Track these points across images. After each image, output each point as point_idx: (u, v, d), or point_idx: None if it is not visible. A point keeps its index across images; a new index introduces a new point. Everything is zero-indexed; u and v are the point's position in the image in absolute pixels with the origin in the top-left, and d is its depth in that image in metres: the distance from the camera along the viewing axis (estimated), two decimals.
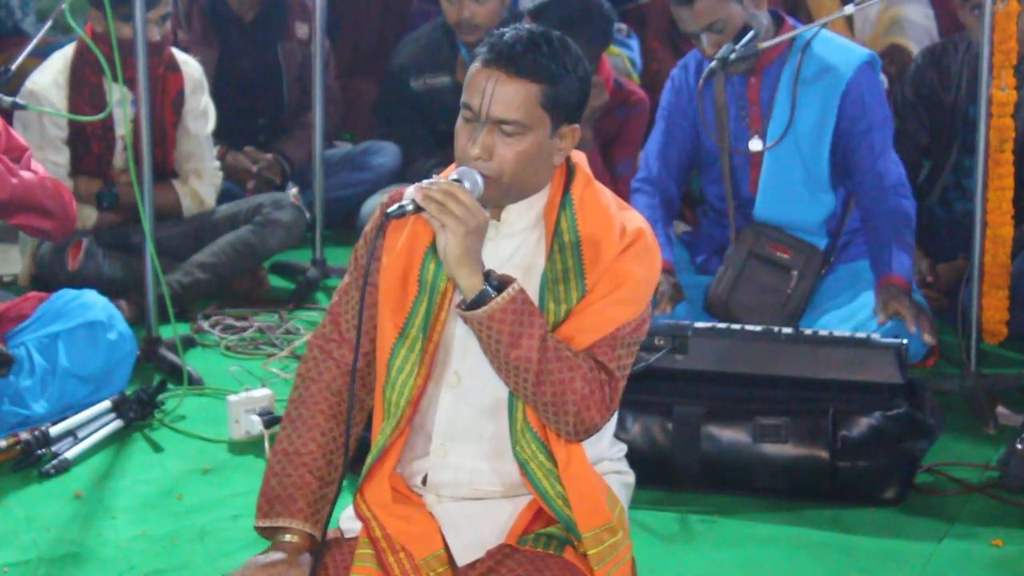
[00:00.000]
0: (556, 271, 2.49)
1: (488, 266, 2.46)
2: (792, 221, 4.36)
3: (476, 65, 2.46)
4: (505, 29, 2.47)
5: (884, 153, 4.30)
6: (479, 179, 2.44)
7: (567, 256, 2.49)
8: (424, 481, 2.59)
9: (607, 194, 2.57)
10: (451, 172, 2.48)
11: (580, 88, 2.48)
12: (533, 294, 2.49)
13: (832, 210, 4.38)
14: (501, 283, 2.41)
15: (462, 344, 2.52)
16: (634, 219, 2.54)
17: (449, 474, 2.56)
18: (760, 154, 4.34)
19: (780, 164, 4.33)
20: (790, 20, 4.37)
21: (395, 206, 2.43)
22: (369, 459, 2.57)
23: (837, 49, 4.32)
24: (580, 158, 2.58)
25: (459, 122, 2.48)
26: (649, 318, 2.56)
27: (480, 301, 2.40)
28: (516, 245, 2.53)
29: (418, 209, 2.40)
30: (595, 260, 2.48)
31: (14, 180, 3.96)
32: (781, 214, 4.37)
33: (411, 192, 2.43)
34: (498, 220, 2.53)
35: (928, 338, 4.10)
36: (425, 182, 2.42)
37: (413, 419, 2.56)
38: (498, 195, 2.49)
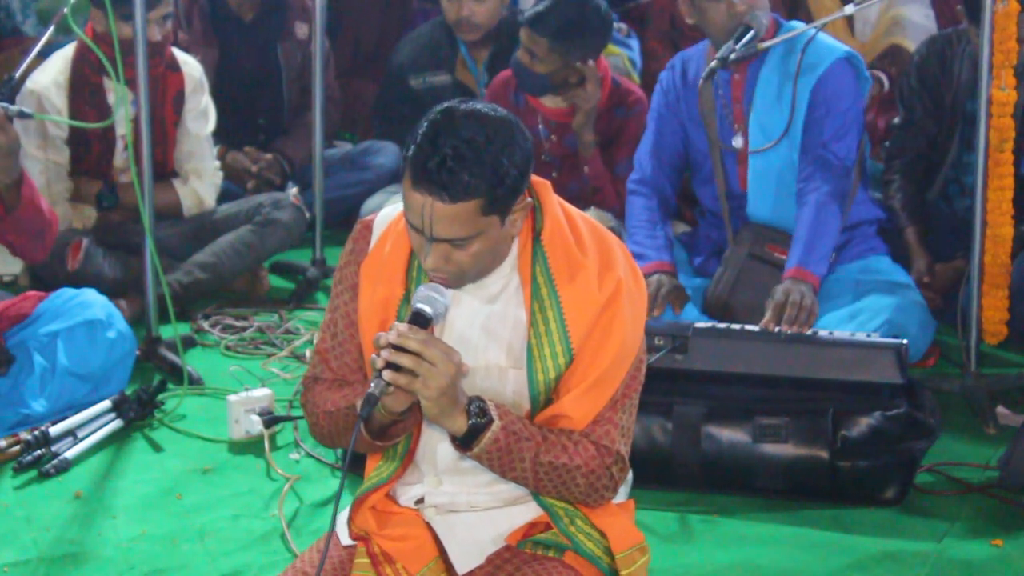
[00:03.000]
0: (540, 334, 2.44)
1: (466, 320, 2.45)
2: (785, 219, 4.35)
3: (408, 182, 2.32)
4: (431, 132, 2.30)
5: (840, 137, 4.25)
6: (441, 299, 2.38)
7: (549, 317, 2.44)
8: (420, 501, 2.58)
9: (580, 227, 2.47)
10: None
11: (522, 170, 2.35)
12: (516, 348, 2.46)
13: None
14: (484, 412, 2.38)
15: None
16: (612, 257, 2.46)
17: (446, 498, 2.56)
18: (744, 151, 4.35)
19: (764, 160, 4.33)
20: (779, 19, 4.38)
21: (369, 394, 2.32)
22: (359, 491, 2.56)
23: (819, 47, 4.31)
24: (545, 191, 2.48)
25: (407, 225, 2.38)
26: (645, 355, 2.54)
27: (469, 440, 2.38)
28: (492, 298, 2.48)
29: (388, 385, 2.32)
30: (577, 318, 2.43)
31: (46, 214, 4.01)
32: (773, 212, 4.36)
33: (379, 363, 2.31)
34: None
35: (800, 329, 4.00)
36: (390, 338, 2.30)
37: (409, 464, 2.56)
38: (465, 284, 2.44)
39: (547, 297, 2.44)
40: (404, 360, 2.30)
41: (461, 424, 2.37)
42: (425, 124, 2.33)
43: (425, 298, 2.38)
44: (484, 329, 2.47)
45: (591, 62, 4.92)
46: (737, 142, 4.36)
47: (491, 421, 2.37)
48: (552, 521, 2.50)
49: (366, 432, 2.43)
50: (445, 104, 2.37)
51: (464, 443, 2.39)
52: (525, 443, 2.40)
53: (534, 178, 2.46)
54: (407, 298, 2.48)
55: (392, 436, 2.47)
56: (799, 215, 4.23)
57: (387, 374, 2.30)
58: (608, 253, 2.47)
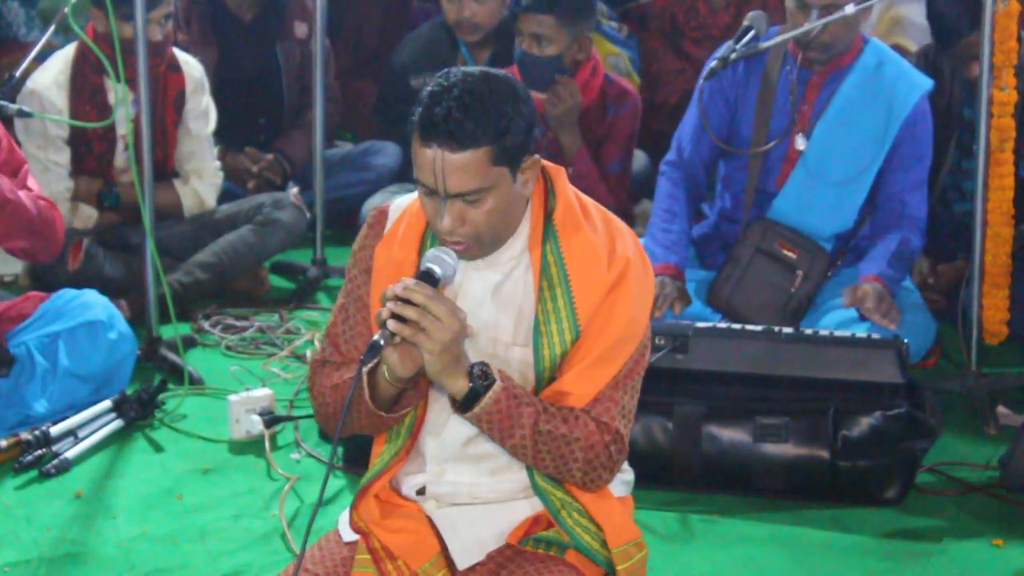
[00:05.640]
0: (547, 311, 2.46)
1: (476, 296, 2.46)
2: (805, 224, 4.34)
3: (417, 141, 2.37)
4: (435, 89, 2.37)
5: (917, 188, 4.32)
6: (451, 260, 2.40)
7: (557, 295, 2.46)
8: (421, 491, 2.59)
9: (591, 212, 2.51)
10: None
11: (527, 122, 2.39)
12: (524, 326, 2.48)
13: (847, 228, 4.37)
14: (486, 375, 2.39)
15: None
16: (621, 240, 2.49)
17: (447, 488, 2.57)
18: (799, 152, 4.33)
19: (816, 168, 4.31)
20: (864, 36, 4.37)
21: (373, 343, 2.33)
22: (364, 479, 2.57)
23: (904, 71, 4.32)
24: (559, 177, 2.52)
25: (420, 192, 2.42)
26: (650, 342, 2.55)
27: (469, 402, 2.39)
28: (503, 276, 2.50)
29: (392, 336, 2.34)
30: (585, 296, 2.45)
31: (11, 197, 3.93)
32: (798, 215, 4.34)
33: (384, 313, 2.33)
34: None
35: (886, 323, 4.07)
36: (396, 290, 2.33)
37: (412, 448, 2.57)
38: (482, 253, 2.46)
39: (556, 275, 2.46)
40: (409, 312, 2.32)
41: (462, 385, 2.38)
42: (427, 88, 2.39)
43: (434, 258, 2.41)
44: (494, 305, 2.49)
45: (569, 77, 4.90)
46: (799, 143, 4.34)
47: (493, 382, 2.39)
48: (549, 512, 2.51)
49: (371, 401, 2.44)
50: (444, 70, 2.42)
51: (464, 405, 2.39)
52: (525, 408, 2.40)
53: (547, 163, 2.50)
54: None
55: (397, 410, 2.48)
56: (883, 246, 4.27)
57: (392, 324, 2.32)
58: (618, 236, 2.50)
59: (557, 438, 2.42)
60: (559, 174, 2.52)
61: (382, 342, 2.34)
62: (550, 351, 2.46)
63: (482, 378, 2.38)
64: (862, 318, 4.17)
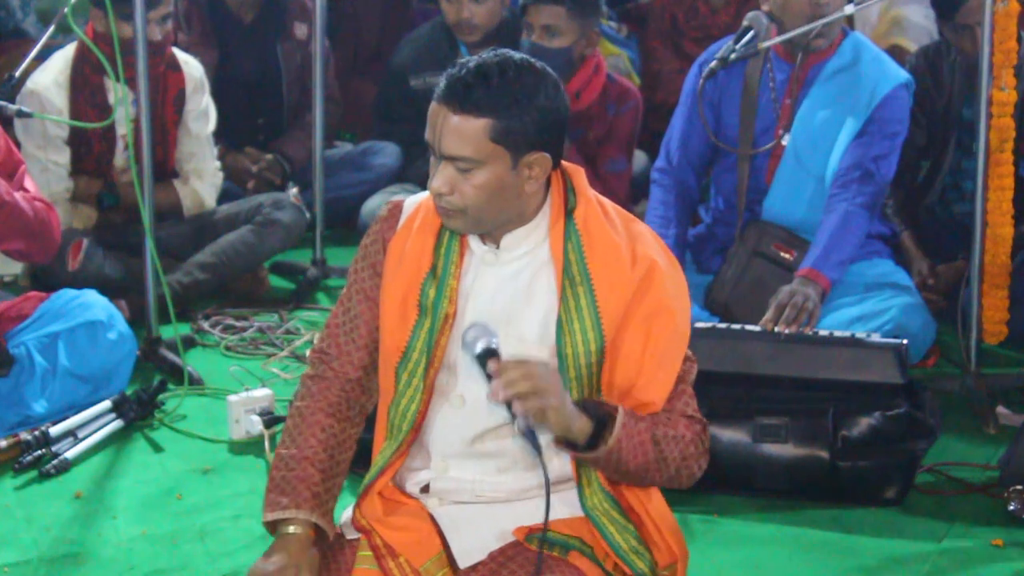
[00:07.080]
0: (570, 310, 2.46)
1: (490, 289, 2.47)
2: (799, 220, 4.34)
3: (433, 100, 2.43)
4: (468, 59, 2.43)
5: (880, 159, 4.27)
6: (491, 327, 2.40)
7: (580, 293, 2.46)
8: (425, 488, 2.59)
9: (611, 214, 2.52)
10: (471, 333, 2.41)
11: (542, 116, 2.40)
12: (544, 325, 2.48)
13: None
14: (602, 412, 2.40)
15: (467, 367, 2.49)
16: (643, 241, 2.50)
17: (451, 484, 2.57)
18: (784, 148, 4.33)
19: (799, 161, 4.32)
20: (845, 29, 4.36)
21: (528, 438, 2.34)
22: (367, 478, 2.57)
23: (881, 65, 4.31)
24: (579, 177, 2.53)
25: (430, 154, 2.46)
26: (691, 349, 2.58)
27: (596, 440, 2.39)
28: (518, 268, 2.50)
29: (527, 417, 2.34)
30: (609, 296, 2.45)
31: (8, 199, 3.92)
32: (790, 211, 4.34)
33: (502, 401, 2.33)
34: (498, 247, 2.50)
35: (795, 328, 3.99)
36: (499, 385, 2.32)
37: (414, 442, 2.57)
38: (466, 228, 2.47)
39: (578, 274, 2.47)
40: (521, 386, 2.32)
41: (585, 422, 2.38)
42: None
43: (482, 332, 2.39)
44: (512, 303, 2.49)
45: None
46: (784, 139, 4.33)
47: (614, 409, 2.40)
48: (602, 537, 2.50)
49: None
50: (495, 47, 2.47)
51: (591, 441, 2.38)
52: (641, 423, 2.42)
53: (568, 164, 2.52)
54: (432, 272, 2.50)
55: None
56: (825, 219, 4.21)
57: (517, 407, 2.32)
58: (638, 238, 2.51)
59: (670, 440, 2.44)
60: (578, 173, 2.53)
61: (533, 430, 2.34)
62: (573, 350, 2.46)
63: (598, 408, 2.40)
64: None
